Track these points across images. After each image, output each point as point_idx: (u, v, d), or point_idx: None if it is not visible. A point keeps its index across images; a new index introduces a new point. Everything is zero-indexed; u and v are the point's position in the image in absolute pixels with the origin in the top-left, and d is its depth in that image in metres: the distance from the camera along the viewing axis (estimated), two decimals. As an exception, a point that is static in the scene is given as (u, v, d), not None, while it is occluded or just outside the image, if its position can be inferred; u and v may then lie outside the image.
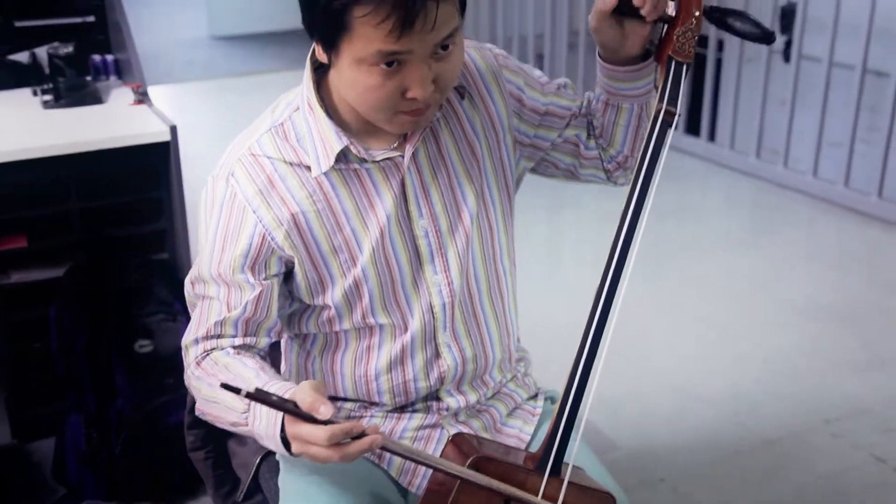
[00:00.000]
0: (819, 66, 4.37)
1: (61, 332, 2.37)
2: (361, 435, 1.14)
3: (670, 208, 4.21)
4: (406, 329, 1.43)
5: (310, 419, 1.13)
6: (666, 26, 1.32)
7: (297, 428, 1.15)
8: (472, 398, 1.51)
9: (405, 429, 1.50)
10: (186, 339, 1.40)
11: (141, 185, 2.56)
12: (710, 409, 2.75)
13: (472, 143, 1.42)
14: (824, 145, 4.41)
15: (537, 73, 1.50)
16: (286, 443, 1.19)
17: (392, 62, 1.20)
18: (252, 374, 1.30)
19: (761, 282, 3.61)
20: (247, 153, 1.35)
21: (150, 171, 2.53)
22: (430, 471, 1.39)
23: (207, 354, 1.37)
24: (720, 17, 1.32)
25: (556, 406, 1.27)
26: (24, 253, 2.46)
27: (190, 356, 1.38)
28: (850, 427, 2.66)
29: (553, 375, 1.68)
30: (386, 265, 1.39)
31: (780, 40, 4.87)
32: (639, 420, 2.69)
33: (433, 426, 1.50)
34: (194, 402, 1.72)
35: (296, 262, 1.37)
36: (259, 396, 1.10)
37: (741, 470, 2.48)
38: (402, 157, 1.36)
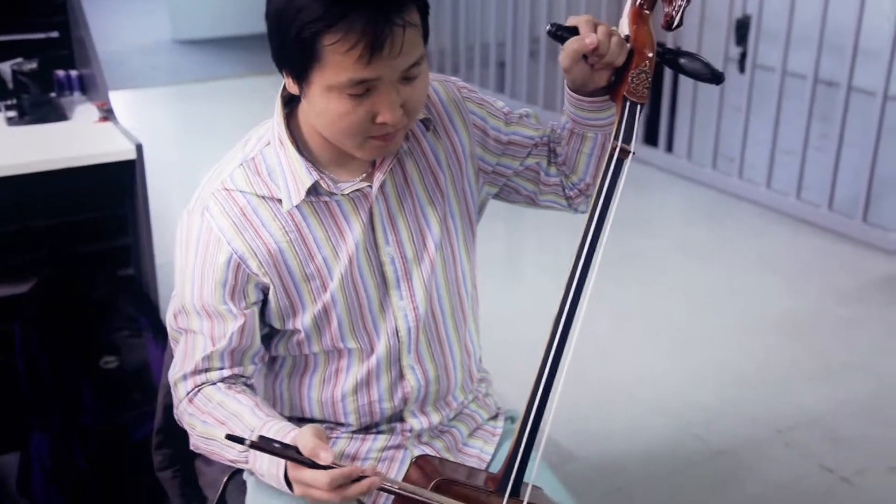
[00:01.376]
0: (773, 76, 4.48)
1: (26, 348, 2.39)
2: (360, 477, 1.20)
3: (627, 218, 4.28)
4: (372, 352, 1.48)
5: (311, 464, 1.19)
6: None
7: (299, 473, 1.21)
8: (435, 419, 1.56)
9: (370, 450, 1.54)
10: (174, 375, 1.44)
11: (106, 202, 2.58)
12: (666, 420, 2.83)
13: (435, 174, 1.47)
14: (778, 153, 4.52)
15: (500, 104, 1.55)
16: (289, 484, 1.25)
17: (362, 89, 1.25)
18: (248, 411, 1.34)
19: (715, 293, 3.69)
20: (220, 188, 1.39)
21: (115, 188, 2.55)
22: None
23: (199, 390, 1.41)
24: (672, 59, 1.38)
25: (517, 426, 1.32)
26: (-12, 269, 2.47)
27: (180, 392, 1.42)
28: (800, 437, 2.74)
29: (512, 385, 1.74)
30: (354, 291, 1.44)
31: (735, 51, 4.97)
32: (596, 431, 2.75)
33: (397, 447, 1.55)
34: (163, 422, 1.76)
35: (270, 288, 1.41)
36: (263, 445, 1.18)
37: (696, 480, 2.56)
38: (371, 187, 1.41)
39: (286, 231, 1.39)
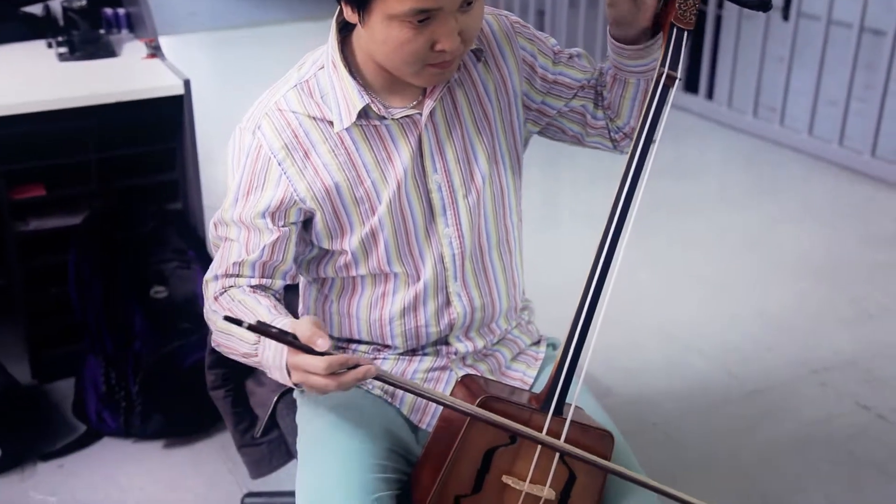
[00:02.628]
0: (817, 24, 4.42)
1: (79, 277, 2.46)
2: (356, 366, 1.23)
3: (667, 165, 4.28)
4: (419, 278, 1.52)
5: (309, 351, 1.22)
6: None
7: (297, 358, 1.25)
8: (480, 344, 1.61)
9: (416, 370, 1.59)
10: (208, 275, 1.50)
11: (155, 137, 2.63)
12: (702, 360, 2.86)
13: (484, 105, 1.50)
14: (821, 103, 4.47)
15: (552, 41, 1.57)
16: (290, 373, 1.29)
17: (423, 17, 1.28)
18: (264, 310, 1.39)
19: (754, 238, 3.70)
20: (273, 108, 1.43)
21: (163, 123, 2.60)
22: (440, 408, 1.49)
23: (225, 291, 1.47)
24: (720, -15, 1.38)
25: (559, 351, 1.36)
26: (42, 201, 2.53)
27: (209, 291, 1.49)
28: (836, 377, 2.77)
29: (550, 325, 1.78)
30: (401, 216, 1.47)
31: (779, -2, 4.91)
32: (633, 369, 2.79)
33: (442, 368, 1.59)
34: (214, 344, 1.82)
35: (317, 213, 1.45)
36: (260, 328, 1.19)
37: (731, 417, 2.59)
38: (420, 114, 1.44)
39: (336, 154, 1.43)
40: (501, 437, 1.36)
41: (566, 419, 1.35)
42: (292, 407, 1.71)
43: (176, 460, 2.37)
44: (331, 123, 1.42)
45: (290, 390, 1.75)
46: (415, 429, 1.59)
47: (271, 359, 1.34)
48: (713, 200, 4.10)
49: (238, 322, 1.17)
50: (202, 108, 2.91)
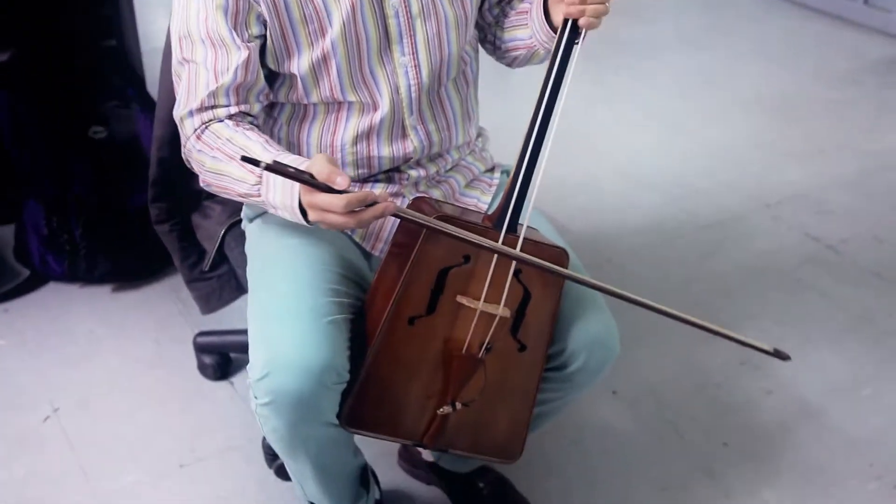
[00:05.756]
0: None
1: (13, 120, 2.35)
2: (374, 203, 1.21)
3: (625, 6, 4.17)
4: (375, 108, 1.46)
5: (326, 189, 1.18)
6: None
7: (314, 197, 1.21)
8: (432, 170, 1.57)
9: (368, 196, 1.55)
10: (179, 111, 1.42)
11: (85, -31, 2.47)
12: (657, 196, 2.85)
13: None
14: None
15: None
16: (303, 212, 1.25)
17: None
18: (258, 146, 1.33)
19: (709, 78, 3.66)
20: None
21: (93, -47, 2.44)
22: (393, 235, 1.46)
23: (207, 127, 1.39)
24: None
25: (512, 171, 1.33)
26: (-34, 38, 2.39)
27: (187, 129, 1.41)
28: (788, 210, 2.79)
29: (506, 157, 1.74)
30: (355, 40, 1.40)
31: None
32: (588, 207, 2.78)
33: (395, 195, 1.56)
34: (158, 175, 1.76)
35: (266, 23, 1.37)
36: (278, 168, 1.16)
37: (684, 250, 2.61)
38: None
39: None
40: (455, 256, 1.34)
41: (519, 236, 1.33)
42: (241, 239, 1.67)
43: (125, 303, 2.33)
44: None
45: (238, 222, 1.71)
46: (367, 255, 1.56)
47: (279, 199, 1.29)
48: (670, 40, 4.03)
49: (255, 162, 1.14)
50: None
